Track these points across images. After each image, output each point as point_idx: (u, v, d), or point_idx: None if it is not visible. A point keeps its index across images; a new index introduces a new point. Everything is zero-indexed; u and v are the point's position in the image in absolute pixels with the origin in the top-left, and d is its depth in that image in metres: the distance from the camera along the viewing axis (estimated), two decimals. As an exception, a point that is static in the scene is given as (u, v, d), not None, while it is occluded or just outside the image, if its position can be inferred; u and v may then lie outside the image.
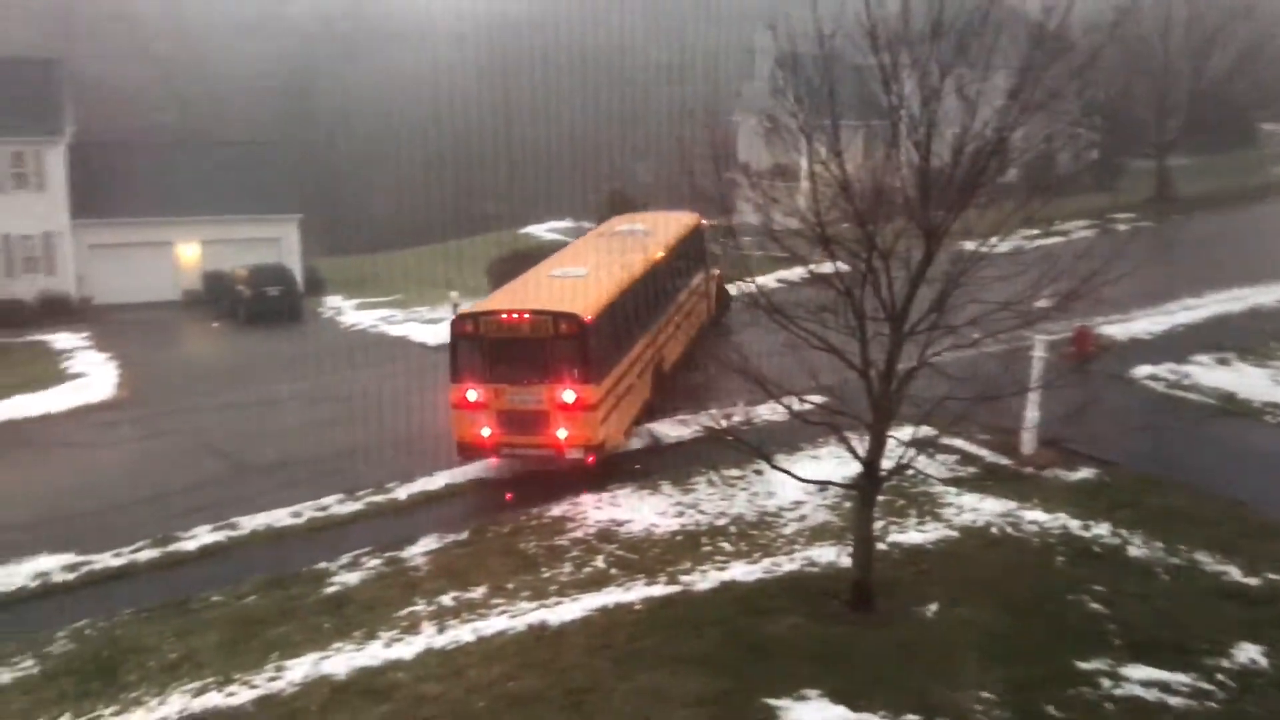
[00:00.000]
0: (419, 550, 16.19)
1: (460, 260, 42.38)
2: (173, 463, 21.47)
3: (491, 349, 18.31)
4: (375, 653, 12.94)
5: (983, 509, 16.08)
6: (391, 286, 40.99)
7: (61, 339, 34.00)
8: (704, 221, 27.32)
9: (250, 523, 17.83)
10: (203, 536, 17.49)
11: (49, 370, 29.77)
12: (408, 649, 12.96)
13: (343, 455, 20.59)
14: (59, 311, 37.67)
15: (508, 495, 18.33)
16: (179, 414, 25.13)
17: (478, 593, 14.41)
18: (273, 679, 12.54)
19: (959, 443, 18.21)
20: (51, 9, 70.78)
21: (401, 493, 18.68)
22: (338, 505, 18.32)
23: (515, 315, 18.45)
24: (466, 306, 22.10)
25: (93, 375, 29.06)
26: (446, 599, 14.30)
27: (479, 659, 12.45)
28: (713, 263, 27.43)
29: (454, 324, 18.93)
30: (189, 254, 41.32)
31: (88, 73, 55.38)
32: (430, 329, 30.97)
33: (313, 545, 16.85)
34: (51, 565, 16.75)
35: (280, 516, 18.03)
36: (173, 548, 17.18)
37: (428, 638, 13.21)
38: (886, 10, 11.48)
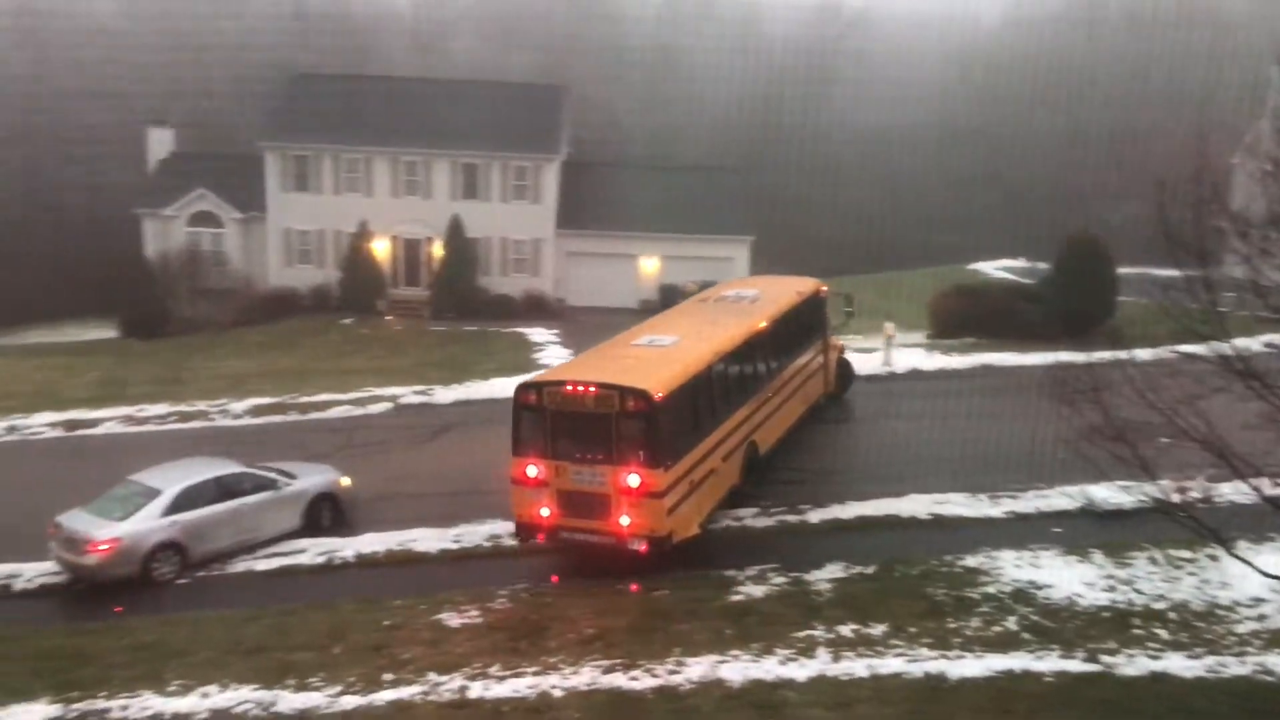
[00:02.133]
0: (824, 576, 16.19)
1: (901, 292, 41.84)
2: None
3: (555, 422, 16.66)
4: (769, 667, 13.15)
5: None
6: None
7: (536, 332, 38.38)
8: (824, 289, 25.01)
9: (671, 521, 18.89)
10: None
11: (523, 358, 33.64)
12: (801, 670, 13.04)
13: (763, 472, 21.12)
14: (538, 308, 42.69)
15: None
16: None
17: (877, 629, 14.13)
18: (673, 672, 13.18)
19: None
20: (557, 38, 79.93)
21: (813, 516, 18.79)
22: (752, 519, 18.82)
23: (580, 388, 16.66)
24: (533, 374, 20.11)
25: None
26: (845, 629, 14.18)
27: (870, 696, 12.21)
28: (833, 334, 24.80)
29: (517, 392, 17.26)
30: (649, 267, 44.77)
31: (581, 97, 61.91)
32: (862, 358, 30.85)
33: (722, 552, 17.46)
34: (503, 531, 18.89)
35: (698, 520, 18.90)
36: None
37: (822, 664, 13.20)
38: None
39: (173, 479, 18.28)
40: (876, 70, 75.72)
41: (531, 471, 16.69)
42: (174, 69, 62.00)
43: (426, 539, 18.61)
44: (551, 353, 34.65)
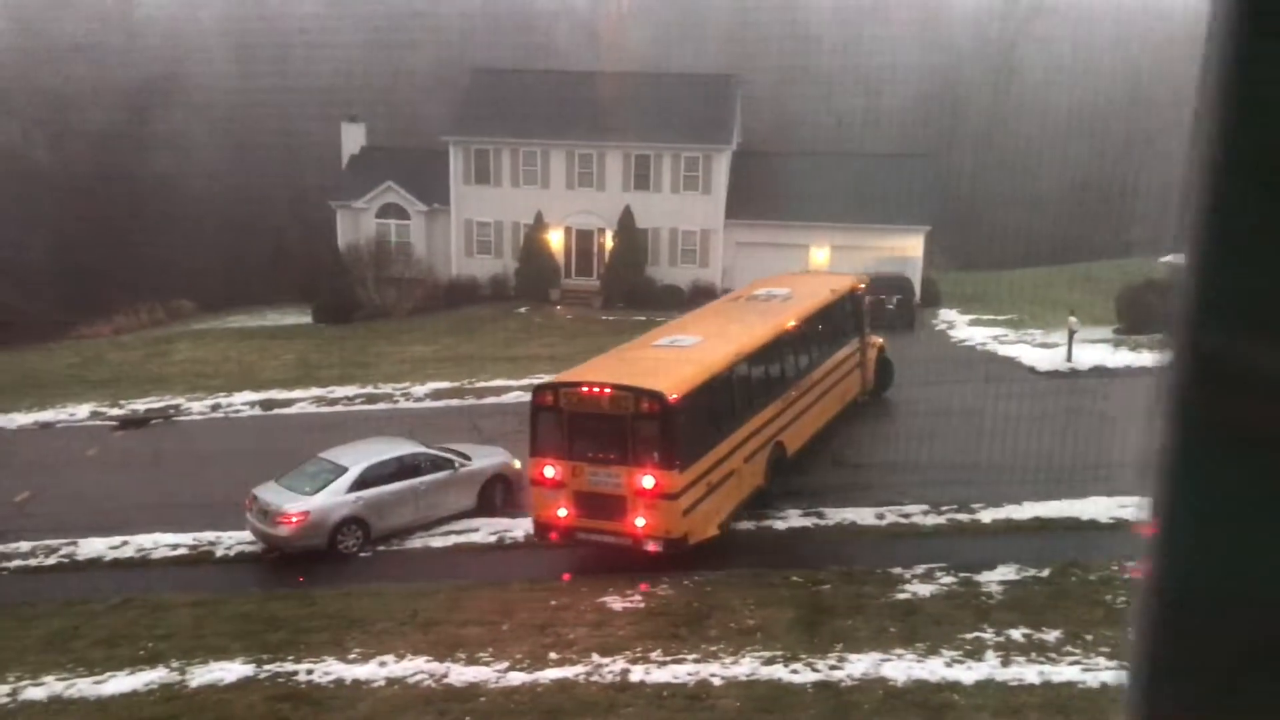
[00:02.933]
0: (995, 578, 15.65)
1: (1087, 285, 39.85)
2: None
3: (571, 424, 16.79)
4: (935, 668, 12.83)
5: None
6: (1009, 305, 39.88)
7: (704, 323, 38.42)
8: (861, 286, 24.62)
9: (836, 515, 18.67)
10: (793, 519, 18.72)
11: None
12: (968, 673, 12.66)
13: (934, 468, 20.59)
14: (705, 299, 42.62)
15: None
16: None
17: (1051, 635, 13.57)
18: (834, 668, 13.04)
19: None
20: (733, 28, 79.66)
21: (985, 516, 18.18)
22: (920, 516, 18.38)
23: (596, 389, 16.74)
24: (553, 375, 19.81)
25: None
26: (1016, 633, 13.68)
27: (1042, 704, 11.75)
28: (871, 331, 24.24)
29: (534, 394, 17.60)
30: (819, 257, 44.14)
31: (756, 86, 61.54)
32: (1041, 353, 29.64)
33: (889, 549, 17.14)
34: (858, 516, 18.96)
35: (864, 515, 18.61)
36: (764, 524, 18.63)
37: (990, 667, 12.78)
38: None
39: (358, 457, 19.30)
40: (1063, 57, 72.21)
41: (549, 472, 16.87)
42: (368, 65, 65.21)
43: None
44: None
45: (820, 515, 18.70)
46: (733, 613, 15.07)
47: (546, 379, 19.20)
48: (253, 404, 29.58)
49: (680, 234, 44.90)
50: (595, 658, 13.75)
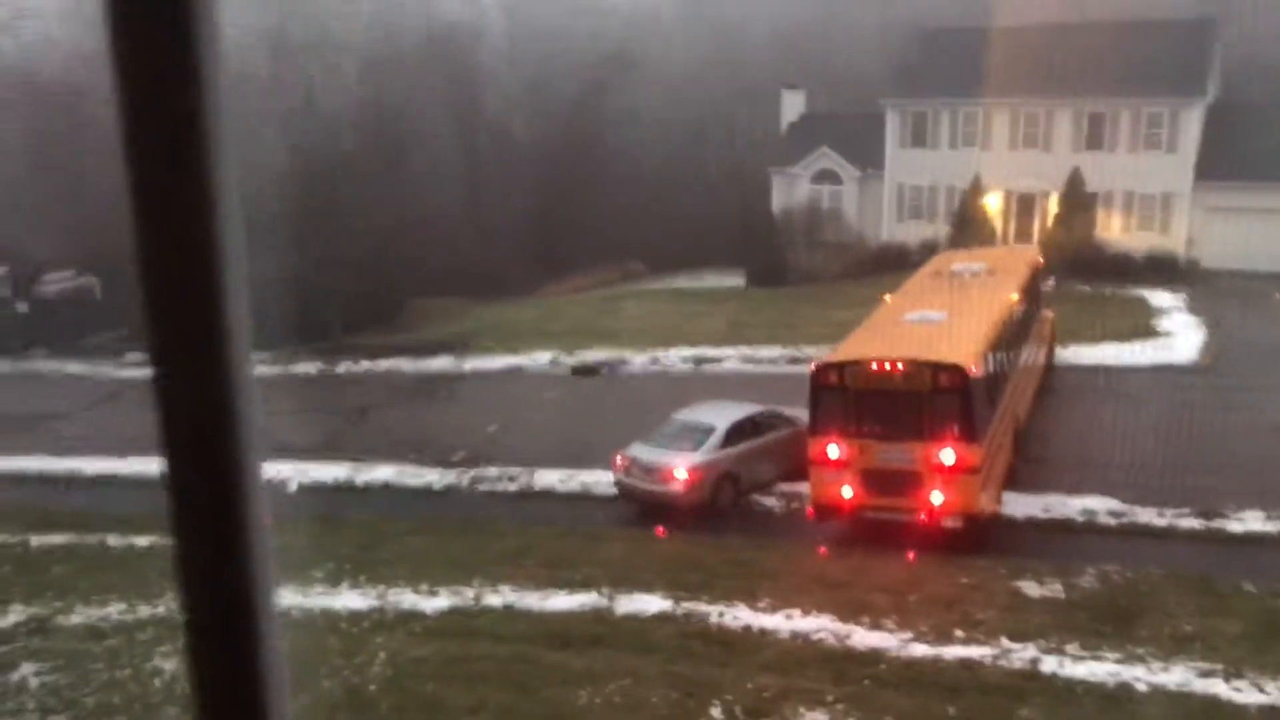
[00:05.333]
0: None
1: None
2: (1237, 437, 20.60)
3: (857, 401, 16.45)
4: None
5: None
6: None
7: (1158, 297, 34.76)
8: (1041, 258, 25.13)
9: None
10: (1250, 522, 16.62)
11: (1139, 324, 30.82)
12: None
13: None
14: (1161, 269, 38.47)
15: None
16: (1258, 391, 23.82)
17: None
18: (1289, 692, 11.51)
19: None
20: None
21: None
22: None
23: (887, 365, 16.37)
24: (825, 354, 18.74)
25: (1178, 336, 29.20)
26: None
27: None
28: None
29: (815, 373, 17.05)
30: (1314, 225, 38.07)
31: (1248, 28, 53.92)
32: None
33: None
34: (1098, 506, 17.79)
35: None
36: (1216, 524, 16.72)
37: None
38: None
39: (716, 416, 20.00)
40: None
41: (833, 452, 16.66)
42: (811, 33, 65.88)
43: (1015, 503, 18.17)
44: (1176, 319, 31.26)
45: (1285, 521, 16.43)
46: (1169, 617, 13.79)
47: (825, 357, 18.65)
48: (686, 359, 31.49)
49: (1136, 198, 40.83)
50: (1004, 641, 13.23)
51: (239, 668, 1.12)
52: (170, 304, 1.06)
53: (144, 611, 15.99)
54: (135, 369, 38.82)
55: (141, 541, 19.02)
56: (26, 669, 14.27)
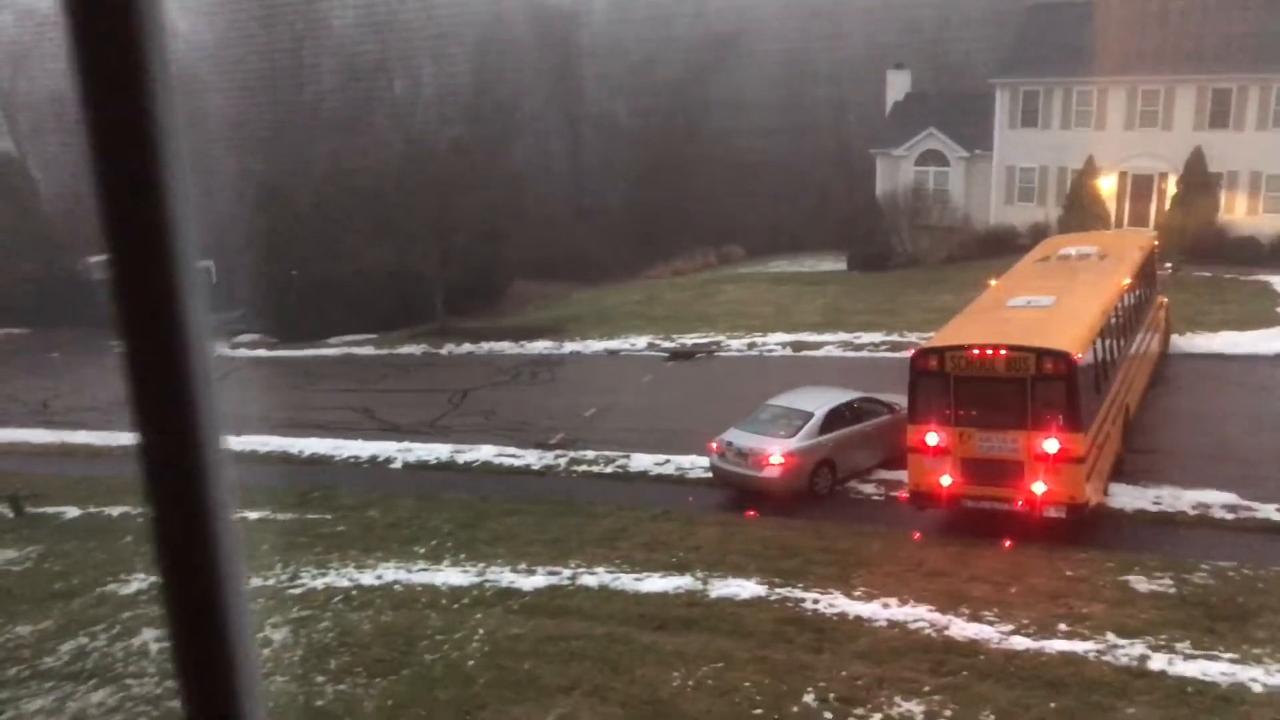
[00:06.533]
0: None
1: None
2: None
3: (958, 388, 16.10)
4: None
5: None
6: None
7: (1281, 282, 33.17)
8: (1156, 241, 24.68)
9: None
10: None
11: (1261, 311, 29.43)
12: None
13: None
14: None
15: None
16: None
17: None
18: None
19: None
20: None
21: None
22: None
23: (990, 351, 15.97)
24: (927, 340, 18.54)
25: (1304, 323, 27.80)
26: None
27: None
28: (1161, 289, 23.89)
29: (914, 359, 16.74)
30: None
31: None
32: None
33: None
34: (1213, 500, 17.09)
35: None
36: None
37: None
38: None
39: (813, 402, 19.74)
40: None
41: (932, 439, 16.40)
42: (919, 12, 64.35)
43: (1124, 495, 17.58)
44: (1303, 306, 29.76)
45: None
46: (1289, 616, 13.16)
47: (925, 343, 18.37)
48: (784, 344, 31.24)
49: (1265, 179, 38.89)
50: (1110, 637, 12.82)
51: (207, 621, 1.23)
52: (132, 285, 1.14)
53: (254, 581, 16.65)
54: (246, 350, 40.30)
55: (252, 516, 19.77)
56: (147, 634, 15.00)
